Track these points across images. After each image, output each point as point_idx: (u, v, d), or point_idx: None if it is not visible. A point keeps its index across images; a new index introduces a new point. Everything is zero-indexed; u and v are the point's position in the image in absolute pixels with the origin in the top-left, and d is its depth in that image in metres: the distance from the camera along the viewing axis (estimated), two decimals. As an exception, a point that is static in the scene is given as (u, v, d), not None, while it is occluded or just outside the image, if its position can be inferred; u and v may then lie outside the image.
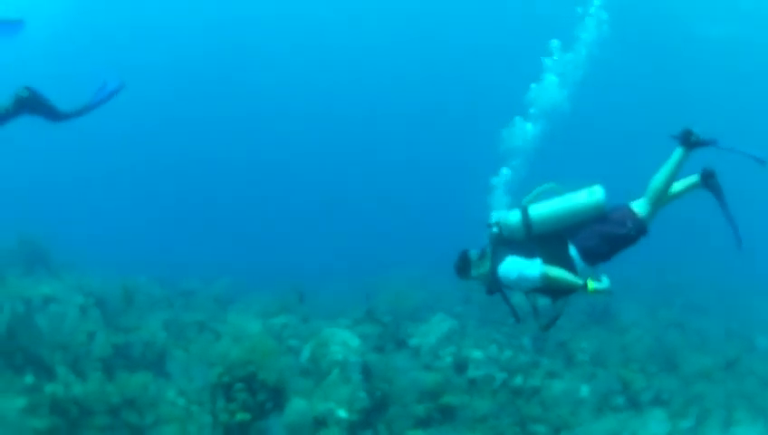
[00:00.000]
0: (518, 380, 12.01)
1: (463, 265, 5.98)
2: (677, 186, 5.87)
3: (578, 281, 5.50)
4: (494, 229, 5.80)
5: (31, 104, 6.59)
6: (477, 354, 12.49)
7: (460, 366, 12.35)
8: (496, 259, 5.74)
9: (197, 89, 36.42)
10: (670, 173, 5.72)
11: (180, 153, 35.31)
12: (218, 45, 36.05)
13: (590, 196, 5.70)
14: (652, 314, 16.01)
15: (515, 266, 5.61)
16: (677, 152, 5.69)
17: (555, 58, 6.17)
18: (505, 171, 5.93)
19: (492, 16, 33.51)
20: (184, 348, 12.72)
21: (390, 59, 37.81)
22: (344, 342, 12.03)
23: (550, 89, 6.17)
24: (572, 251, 5.68)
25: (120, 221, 26.00)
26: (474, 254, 5.96)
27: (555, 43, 6.26)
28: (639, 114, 33.52)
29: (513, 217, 5.73)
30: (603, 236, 5.63)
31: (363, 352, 12.01)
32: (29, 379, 10.08)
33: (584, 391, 12.05)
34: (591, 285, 5.45)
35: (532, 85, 6.19)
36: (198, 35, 35.67)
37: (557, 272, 5.53)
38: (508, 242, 5.76)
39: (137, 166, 33.03)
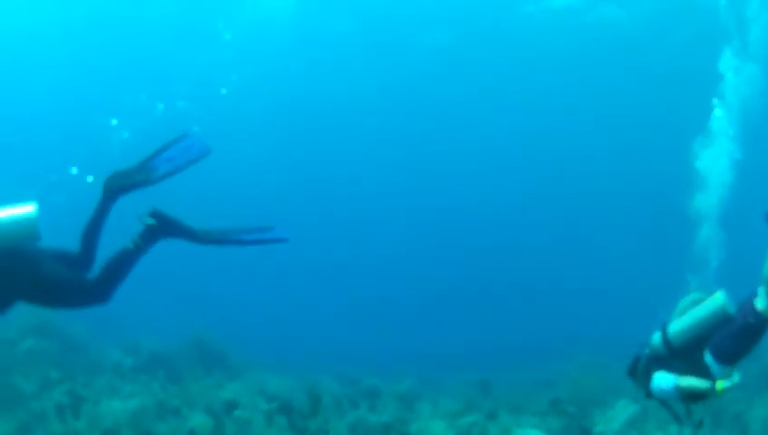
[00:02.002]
0: None
1: (631, 372, 6.31)
2: None
3: (707, 386, 5.75)
4: (646, 350, 6.12)
5: (163, 230, 5.85)
6: None
7: None
8: (648, 376, 6.07)
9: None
10: None
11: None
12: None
13: (711, 304, 5.82)
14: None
15: (657, 383, 5.97)
16: None
17: None
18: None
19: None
20: (371, 453, 12.14)
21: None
22: None
23: None
24: (707, 357, 5.81)
25: (287, 313, 26.04)
26: (641, 364, 6.23)
27: None
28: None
29: (656, 338, 6.04)
30: (730, 336, 5.72)
31: None
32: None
33: None
34: (720, 386, 5.70)
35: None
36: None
37: (688, 381, 5.80)
38: (663, 358, 6.05)
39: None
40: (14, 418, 9.38)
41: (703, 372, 5.81)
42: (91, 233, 5.88)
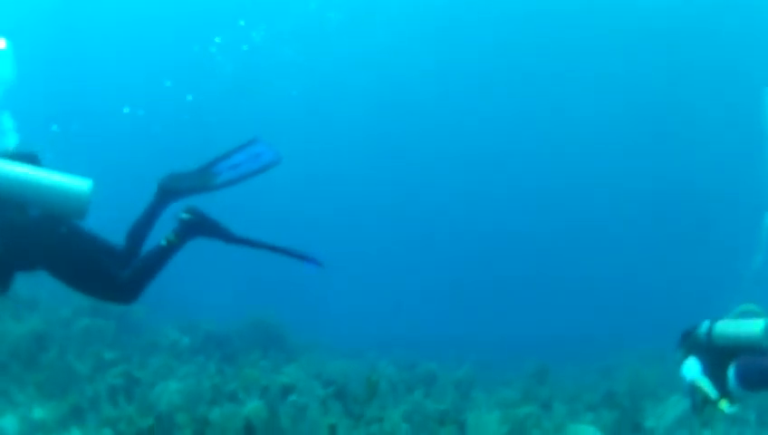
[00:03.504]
0: None
1: (679, 345, 6.73)
2: None
3: (713, 397, 6.13)
4: (695, 331, 6.54)
5: (199, 227, 5.60)
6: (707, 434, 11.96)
7: None
8: (684, 356, 6.57)
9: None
10: None
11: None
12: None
13: (751, 328, 6.02)
14: None
15: (685, 367, 6.46)
16: None
17: None
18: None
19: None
20: (427, 441, 12.11)
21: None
22: None
23: None
24: (731, 371, 6.09)
25: (348, 294, 26.07)
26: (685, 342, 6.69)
27: None
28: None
29: (703, 326, 6.42)
30: (757, 369, 5.95)
31: None
32: (269, 474, 9.46)
33: None
34: (722, 405, 6.08)
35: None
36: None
37: (702, 382, 6.23)
38: (702, 347, 6.42)
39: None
40: (67, 401, 9.34)
41: (722, 380, 6.23)
42: (138, 234, 5.70)
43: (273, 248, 5.75)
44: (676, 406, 13.17)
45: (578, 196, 35.09)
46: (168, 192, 5.65)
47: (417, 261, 32.08)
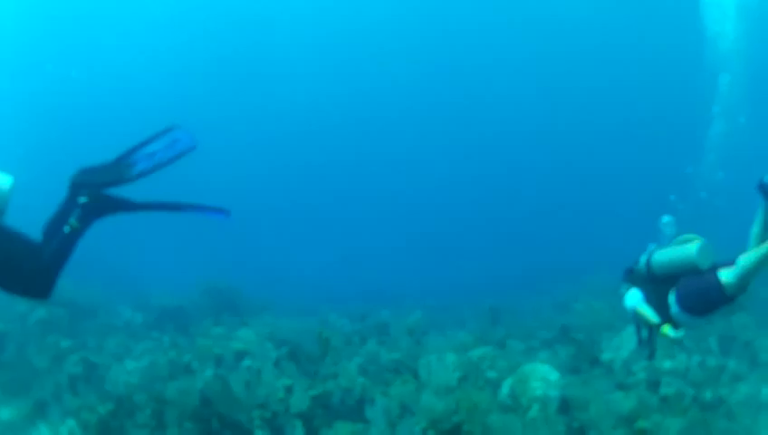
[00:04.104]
0: (707, 394, 11.83)
1: (623, 280, 6.86)
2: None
3: (654, 320, 6.37)
4: (636, 266, 6.65)
5: (100, 207, 5.36)
6: (668, 365, 12.45)
7: (653, 383, 12.14)
8: (627, 289, 6.73)
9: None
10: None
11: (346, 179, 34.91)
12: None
13: (686, 251, 6.12)
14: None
15: (627, 298, 6.65)
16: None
17: None
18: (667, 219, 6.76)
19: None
20: (383, 392, 11.96)
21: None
22: (543, 377, 11.75)
23: None
24: (671, 296, 6.25)
25: (297, 253, 26.14)
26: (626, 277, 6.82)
27: None
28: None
29: (643, 258, 6.54)
30: (692, 291, 6.10)
31: (562, 386, 11.65)
32: (226, 444, 9.78)
33: (765, 393, 11.73)
34: (665, 329, 6.30)
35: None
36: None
37: (643, 308, 6.45)
38: (644, 278, 6.55)
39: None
40: (30, 397, 9.57)
41: (665, 308, 6.35)
42: (54, 230, 5.33)
43: (179, 206, 5.49)
44: (633, 338, 13.17)
45: (524, 136, 35.63)
46: (80, 187, 5.34)
47: (367, 214, 32.37)
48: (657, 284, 6.47)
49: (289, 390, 11.35)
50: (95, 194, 5.28)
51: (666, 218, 6.78)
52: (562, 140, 36.00)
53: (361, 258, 26.10)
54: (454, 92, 36.87)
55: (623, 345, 13.12)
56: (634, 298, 6.60)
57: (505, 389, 11.74)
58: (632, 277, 6.73)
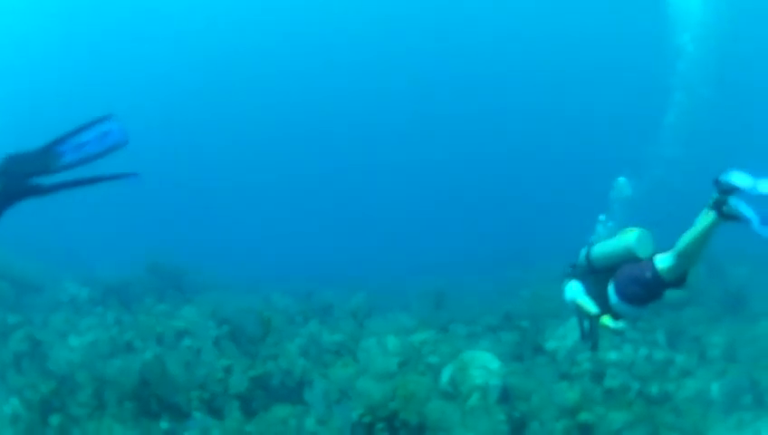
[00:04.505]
0: (653, 388, 11.86)
1: (562, 276, 6.77)
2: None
3: (593, 311, 6.24)
4: (576, 260, 6.55)
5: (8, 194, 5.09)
6: (613, 356, 12.40)
7: (597, 375, 12.19)
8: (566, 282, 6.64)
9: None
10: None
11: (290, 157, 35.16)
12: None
13: (624, 240, 6.04)
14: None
15: (566, 290, 6.56)
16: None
17: None
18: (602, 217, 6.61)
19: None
20: (323, 375, 12.32)
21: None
22: (484, 365, 11.78)
23: None
24: (610, 287, 6.13)
25: (244, 233, 26.10)
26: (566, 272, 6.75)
27: None
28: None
29: (583, 251, 6.45)
30: (629, 279, 5.95)
31: (503, 374, 11.72)
32: (164, 425, 10.04)
33: (714, 389, 11.71)
34: (604, 320, 6.14)
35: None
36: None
37: (582, 300, 6.35)
38: (586, 272, 6.46)
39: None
40: (-25, 377, 9.62)
41: (599, 295, 6.27)
42: None
43: (91, 180, 5.22)
44: (578, 327, 13.26)
45: (480, 119, 36.08)
46: (4, 175, 5.02)
47: (318, 193, 32.38)
48: (598, 276, 6.34)
49: (228, 370, 11.55)
50: (7, 182, 5.02)
51: (602, 217, 6.62)
52: (519, 124, 36.33)
53: (311, 237, 26.11)
54: (406, 70, 37.03)
55: (568, 335, 13.02)
56: (573, 290, 6.52)
57: (446, 376, 11.81)
58: (573, 271, 6.63)
